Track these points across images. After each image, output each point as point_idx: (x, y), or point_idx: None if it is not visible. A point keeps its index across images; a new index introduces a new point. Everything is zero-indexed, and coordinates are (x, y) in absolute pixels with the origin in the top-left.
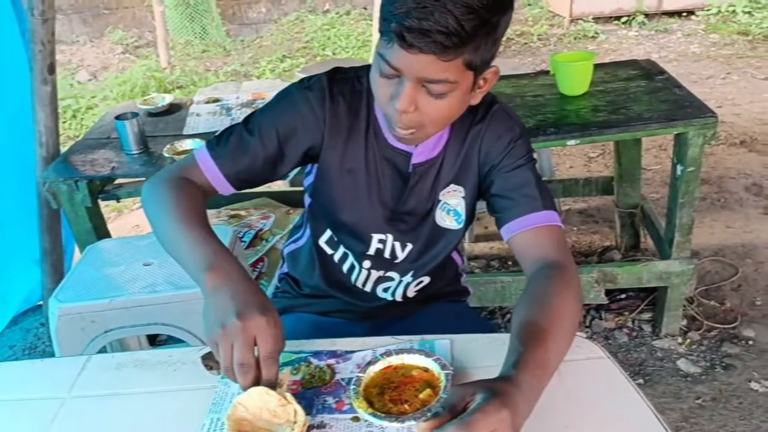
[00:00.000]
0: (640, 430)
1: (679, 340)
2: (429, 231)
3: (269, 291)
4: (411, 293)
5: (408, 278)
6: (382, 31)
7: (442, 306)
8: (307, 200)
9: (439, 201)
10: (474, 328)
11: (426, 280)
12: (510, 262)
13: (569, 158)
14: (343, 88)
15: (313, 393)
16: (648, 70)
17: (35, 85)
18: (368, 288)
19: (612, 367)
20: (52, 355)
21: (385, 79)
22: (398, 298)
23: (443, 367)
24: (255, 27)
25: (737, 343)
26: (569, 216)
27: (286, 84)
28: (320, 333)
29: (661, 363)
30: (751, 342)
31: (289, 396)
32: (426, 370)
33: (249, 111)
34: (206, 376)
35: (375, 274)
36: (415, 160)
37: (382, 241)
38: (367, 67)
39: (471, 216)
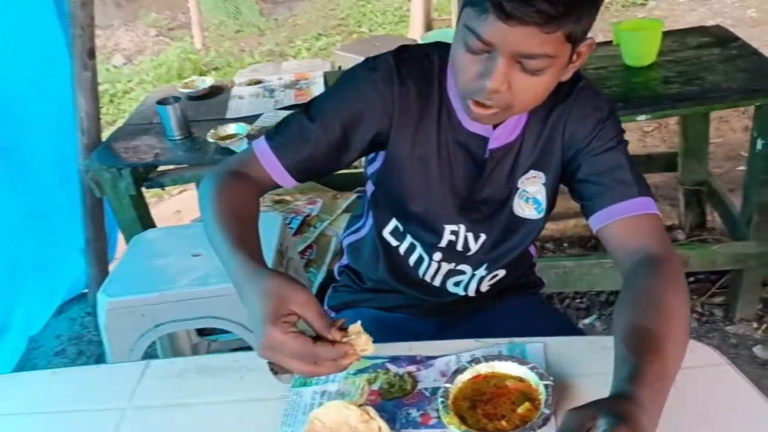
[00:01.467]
0: None
1: (755, 325)
2: (506, 221)
3: (318, 279)
4: (485, 287)
5: (482, 271)
6: (470, 1)
7: (516, 300)
8: (369, 188)
9: (518, 189)
10: (554, 324)
11: (501, 273)
12: (566, 244)
13: None
14: (412, 69)
15: (394, 405)
16: (720, 37)
17: (75, 70)
18: (437, 282)
19: (734, 374)
20: (99, 344)
21: (472, 54)
22: (471, 292)
23: (541, 376)
24: (288, 5)
25: None
26: None
27: (326, 63)
28: (384, 329)
29: (736, 350)
30: None
31: (371, 410)
32: (521, 380)
33: (293, 92)
34: (276, 385)
35: (446, 266)
36: (492, 144)
37: (455, 233)
38: (435, 45)
39: (552, 204)
